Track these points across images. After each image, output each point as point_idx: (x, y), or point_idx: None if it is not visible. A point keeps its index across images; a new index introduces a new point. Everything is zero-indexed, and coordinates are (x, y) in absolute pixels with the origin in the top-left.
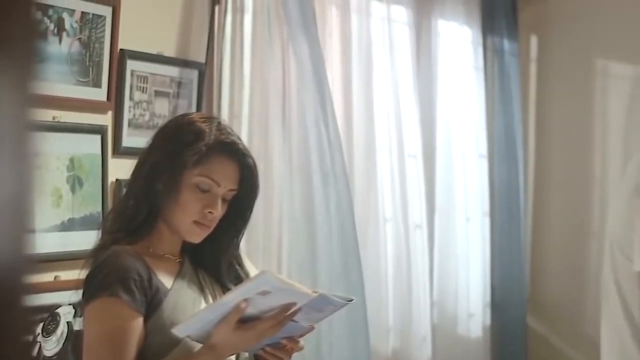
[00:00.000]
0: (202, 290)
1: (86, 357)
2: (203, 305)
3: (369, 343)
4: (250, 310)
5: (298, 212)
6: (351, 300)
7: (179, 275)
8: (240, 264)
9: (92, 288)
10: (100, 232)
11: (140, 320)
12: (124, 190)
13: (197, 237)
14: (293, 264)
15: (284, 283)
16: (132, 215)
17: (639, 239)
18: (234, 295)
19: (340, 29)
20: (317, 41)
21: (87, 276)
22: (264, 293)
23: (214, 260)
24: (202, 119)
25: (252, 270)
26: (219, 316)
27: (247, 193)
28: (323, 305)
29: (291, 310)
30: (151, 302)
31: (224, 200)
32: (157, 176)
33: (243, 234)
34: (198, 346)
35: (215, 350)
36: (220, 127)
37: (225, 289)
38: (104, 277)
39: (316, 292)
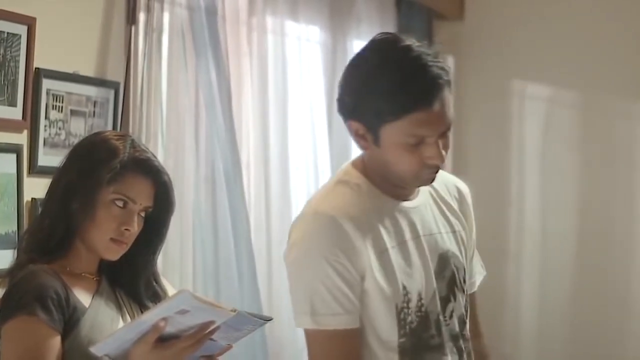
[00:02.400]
0: (119, 308)
1: None
2: (121, 324)
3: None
4: (169, 329)
5: (206, 227)
6: (269, 320)
7: (96, 293)
8: (158, 281)
9: (9, 307)
10: (16, 251)
11: (58, 339)
12: (39, 209)
13: (114, 254)
14: (201, 276)
15: (202, 302)
16: (48, 234)
17: None
18: (153, 314)
19: (257, 49)
20: (222, 62)
21: (4, 295)
22: (183, 312)
23: (132, 278)
24: (116, 137)
25: (169, 288)
26: (137, 335)
27: (163, 209)
28: (241, 325)
29: (209, 329)
30: (69, 321)
31: (139, 217)
32: (72, 195)
33: (160, 250)
34: None
35: None
36: (134, 145)
37: (143, 308)
38: (20, 296)
39: (234, 311)
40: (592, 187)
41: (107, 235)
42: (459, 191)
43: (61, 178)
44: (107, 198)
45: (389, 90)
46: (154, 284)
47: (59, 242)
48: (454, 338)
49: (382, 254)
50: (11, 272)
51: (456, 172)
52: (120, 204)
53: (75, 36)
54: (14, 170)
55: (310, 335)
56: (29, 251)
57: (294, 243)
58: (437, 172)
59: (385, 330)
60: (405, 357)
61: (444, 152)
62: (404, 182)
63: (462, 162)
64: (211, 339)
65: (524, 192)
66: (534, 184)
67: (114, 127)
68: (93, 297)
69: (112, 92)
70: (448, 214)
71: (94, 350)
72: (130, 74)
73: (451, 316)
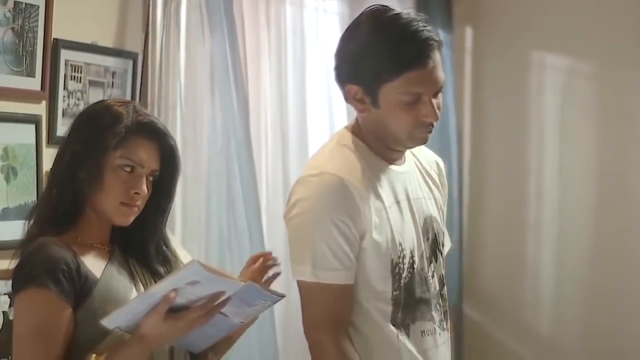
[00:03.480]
0: (132, 277)
1: (16, 349)
2: (134, 293)
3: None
4: (180, 300)
5: (222, 197)
6: (282, 296)
7: (108, 263)
8: (168, 246)
9: (20, 280)
10: (26, 224)
11: (69, 311)
12: (48, 180)
13: (125, 218)
14: (216, 247)
15: (213, 272)
16: (57, 205)
17: None
18: (164, 286)
19: (275, 21)
20: (236, 34)
21: (16, 268)
22: (193, 283)
23: (142, 244)
24: (119, 103)
25: (184, 255)
26: (148, 307)
27: (169, 172)
28: (253, 299)
29: (220, 300)
30: (80, 292)
31: (148, 180)
32: (79, 164)
33: (169, 213)
34: (128, 336)
35: (144, 341)
36: (137, 109)
37: (155, 275)
38: (31, 268)
39: (246, 282)
40: (610, 157)
41: (117, 200)
42: (437, 165)
43: (66, 148)
44: (114, 163)
45: (386, 52)
46: (164, 248)
47: (68, 213)
48: (436, 296)
49: (380, 212)
50: (22, 244)
51: (475, 142)
52: (127, 168)
53: (93, 6)
54: (33, 141)
55: (307, 288)
56: (40, 223)
57: (298, 201)
58: (430, 131)
59: (380, 284)
60: (398, 309)
61: (438, 112)
62: (399, 142)
63: (482, 132)
64: (223, 314)
65: (542, 162)
66: (553, 154)
67: (132, 98)
68: (105, 267)
69: (130, 63)
70: (430, 182)
71: (104, 322)
72: (149, 45)
73: (433, 276)
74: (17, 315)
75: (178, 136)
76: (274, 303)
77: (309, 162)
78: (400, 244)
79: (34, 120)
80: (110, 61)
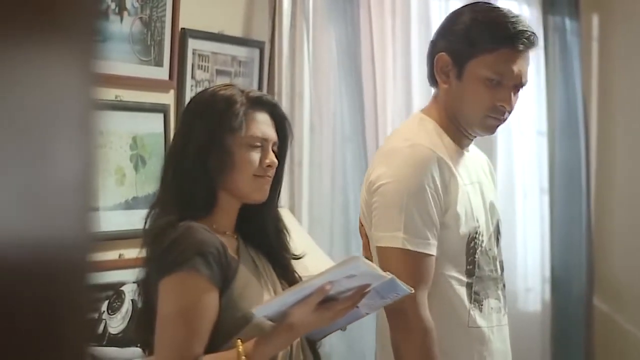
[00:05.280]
0: (255, 265)
1: (161, 331)
2: (262, 281)
3: None
4: (330, 292)
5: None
6: (412, 291)
7: (239, 251)
8: (280, 220)
9: (168, 263)
10: (152, 214)
11: (217, 296)
12: (162, 174)
13: (261, 191)
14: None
15: (370, 267)
16: (192, 196)
17: None
18: (321, 279)
19: (400, 8)
20: (356, 21)
21: (162, 252)
22: (350, 276)
23: (261, 228)
24: (222, 87)
25: (297, 232)
26: (299, 297)
27: (283, 141)
28: (388, 292)
29: (365, 291)
30: (226, 278)
31: (272, 152)
32: (207, 153)
33: (281, 185)
34: (268, 324)
35: (293, 330)
36: (241, 88)
37: (272, 259)
38: (181, 251)
39: (389, 275)
40: None
41: (250, 173)
42: (489, 165)
43: (187, 142)
44: (241, 143)
45: (487, 27)
46: (279, 223)
47: (204, 201)
48: (500, 279)
49: (463, 188)
50: (163, 230)
51: (602, 129)
52: (254, 143)
53: None
54: (161, 130)
55: (395, 254)
56: (174, 212)
57: (391, 169)
58: (501, 121)
59: (456, 256)
60: (471, 282)
61: (514, 103)
62: (471, 123)
63: (609, 121)
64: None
65: None
66: None
67: (259, 86)
68: (239, 254)
69: (257, 52)
70: (487, 174)
71: (256, 312)
72: (276, 34)
73: (496, 258)
74: (164, 297)
75: (305, 125)
76: (403, 295)
77: (392, 136)
78: (477, 220)
79: (162, 109)
80: (237, 50)
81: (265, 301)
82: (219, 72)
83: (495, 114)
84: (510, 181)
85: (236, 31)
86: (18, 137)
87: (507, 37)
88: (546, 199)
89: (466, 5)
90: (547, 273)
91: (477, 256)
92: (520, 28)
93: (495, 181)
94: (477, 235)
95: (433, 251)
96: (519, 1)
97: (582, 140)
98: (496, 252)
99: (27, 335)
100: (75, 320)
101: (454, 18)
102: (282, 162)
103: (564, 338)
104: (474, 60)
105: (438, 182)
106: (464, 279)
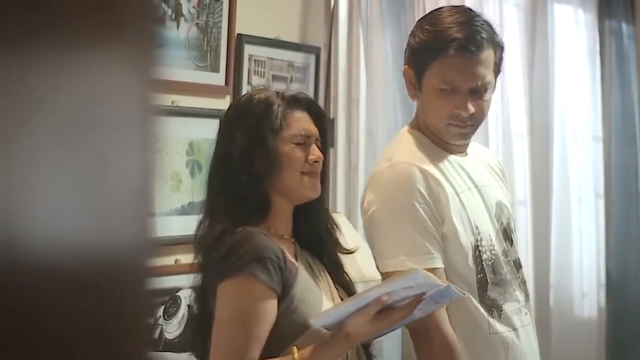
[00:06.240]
0: (312, 269)
1: (217, 335)
2: (319, 284)
3: None
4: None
5: None
6: (464, 295)
7: (297, 255)
8: (334, 223)
9: (226, 267)
10: (202, 217)
11: (275, 302)
12: (215, 180)
13: (313, 188)
14: None
15: (428, 278)
16: (244, 201)
17: None
18: (380, 290)
19: None
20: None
21: (221, 257)
22: (408, 287)
23: (313, 226)
24: (257, 92)
25: (351, 236)
26: (357, 308)
27: (323, 136)
28: (442, 297)
29: (421, 299)
30: (285, 284)
31: (317, 147)
32: (250, 160)
33: (329, 180)
34: (324, 332)
35: (350, 339)
36: (277, 90)
37: (325, 261)
38: (239, 256)
39: (445, 283)
40: None
41: (298, 171)
42: (500, 164)
43: (230, 149)
44: (284, 142)
45: (433, 36)
46: (329, 225)
47: (258, 206)
48: (517, 278)
49: (454, 197)
50: (219, 236)
51: None
52: (297, 140)
53: (275, 1)
54: None
55: None
56: (228, 220)
57: (376, 195)
58: (465, 127)
59: (463, 268)
60: (485, 290)
61: (472, 109)
62: (439, 133)
63: None
64: None
65: None
66: None
67: (316, 92)
68: (297, 259)
69: (312, 57)
70: (494, 173)
71: (314, 321)
72: (332, 39)
73: (509, 259)
74: (222, 301)
75: (361, 130)
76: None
77: (381, 158)
78: (477, 227)
79: (218, 115)
80: (293, 56)
81: (323, 311)
82: (275, 78)
83: (455, 122)
84: (565, 186)
85: (292, 37)
86: (80, 143)
87: (445, 45)
88: (601, 204)
89: (424, 16)
90: (603, 278)
91: (486, 263)
92: (455, 35)
93: (506, 179)
94: (480, 243)
95: (439, 264)
96: (574, 6)
97: (638, 145)
98: (510, 253)
99: (87, 340)
100: (134, 325)
101: (412, 30)
102: (326, 157)
103: (620, 344)
104: (427, 72)
105: (426, 195)
106: (475, 290)
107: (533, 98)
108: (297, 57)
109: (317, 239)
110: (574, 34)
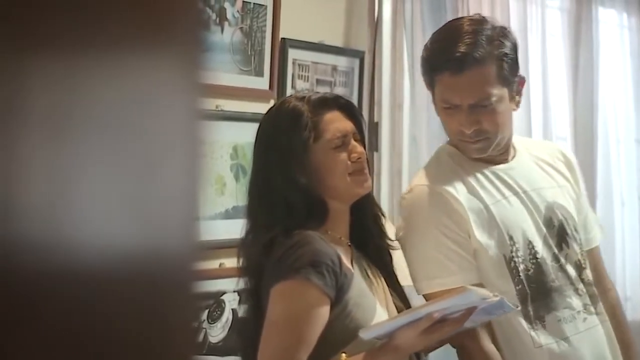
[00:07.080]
0: (367, 274)
1: (267, 335)
2: (373, 289)
3: None
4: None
5: None
6: (517, 308)
7: (353, 259)
8: (380, 211)
9: (281, 269)
10: (247, 223)
11: (327, 307)
12: (250, 194)
13: (361, 186)
14: None
15: (481, 294)
16: (294, 208)
17: None
18: (433, 307)
19: (500, 15)
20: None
21: (277, 259)
22: (460, 305)
23: (362, 226)
24: (283, 102)
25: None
26: (408, 322)
27: (359, 129)
28: (495, 309)
29: (472, 312)
30: (339, 290)
31: (357, 143)
32: (293, 171)
33: (372, 170)
34: (375, 341)
35: (399, 351)
36: (298, 96)
37: (377, 262)
38: (295, 260)
39: (497, 296)
40: None
41: (345, 174)
42: (564, 155)
43: (269, 174)
44: (323, 149)
45: (430, 50)
46: (375, 210)
47: (314, 210)
48: (575, 281)
49: (481, 212)
50: (274, 239)
51: None
52: (337, 143)
53: (319, 5)
54: None
55: (439, 296)
56: (280, 223)
57: (401, 222)
58: (476, 143)
59: (500, 281)
60: (526, 302)
61: (476, 125)
62: (460, 149)
63: None
64: None
65: None
66: None
67: (359, 96)
68: (352, 264)
69: (357, 62)
70: (552, 171)
71: (363, 335)
72: (376, 44)
73: (566, 262)
74: (274, 304)
75: (405, 135)
76: (506, 313)
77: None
78: (511, 238)
79: None
80: (337, 60)
81: (372, 325)
82: (319, 82)
83: (464, 138)
84: (608, 189)
85: (336, 41)
86: (126, 147)
87: (439, 66)
88: None
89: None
90: None
91: (524, 274)
92: (448, 55)
93: (572, 169)
94: (515, 254)
95: (466, 281)
96: (618, 9)
97: None
98: (563, 257)
99: (133, 343)
100: (180, 329)
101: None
102: (365, 147)
103: None
104: (433, 89)
105: (444, 214)
106: (517, 301)
107: (577, 101)
108: (341, 61)
109: (365, 232)
110: (618, 37)
